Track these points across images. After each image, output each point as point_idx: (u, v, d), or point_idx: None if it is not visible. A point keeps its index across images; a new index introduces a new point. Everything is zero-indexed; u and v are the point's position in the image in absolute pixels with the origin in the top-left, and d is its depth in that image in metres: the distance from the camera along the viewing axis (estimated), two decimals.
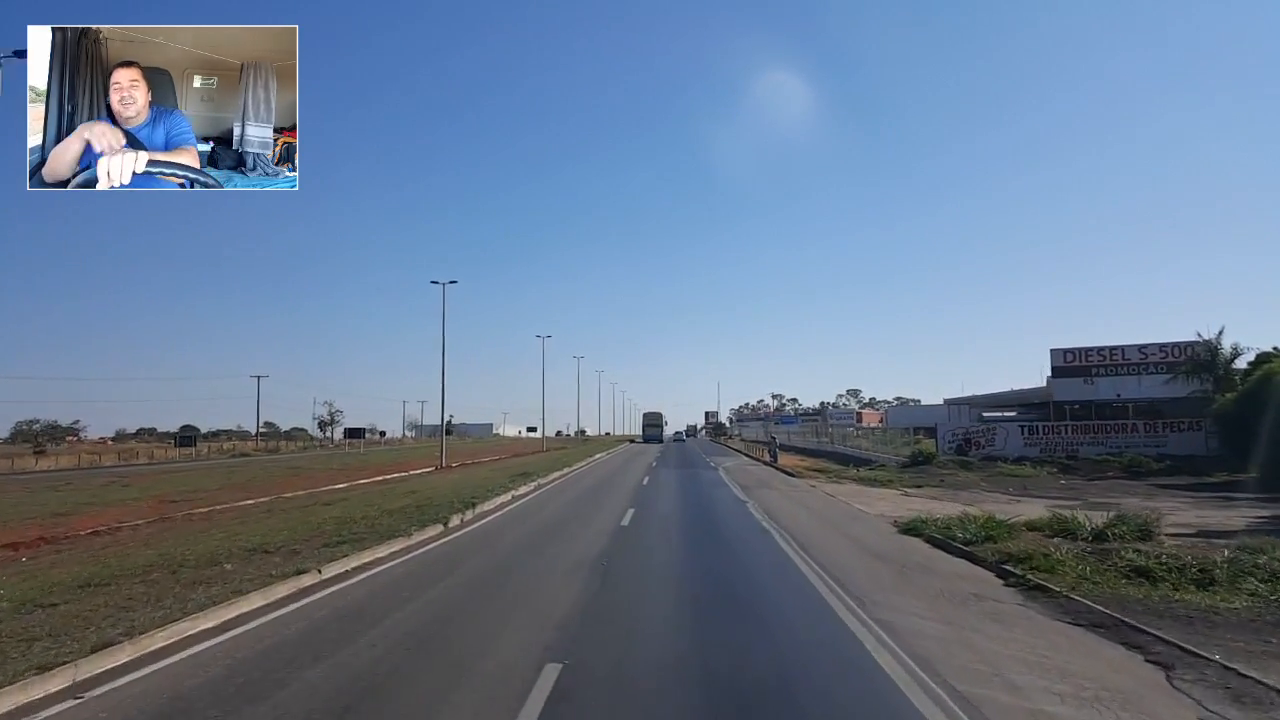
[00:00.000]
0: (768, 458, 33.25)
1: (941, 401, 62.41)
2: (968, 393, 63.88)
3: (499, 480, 20.66)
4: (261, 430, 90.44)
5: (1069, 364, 30.82)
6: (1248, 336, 29.61)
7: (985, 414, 46.66)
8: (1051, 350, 31.01)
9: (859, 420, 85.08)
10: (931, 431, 31.31)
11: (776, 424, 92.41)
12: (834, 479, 22.64)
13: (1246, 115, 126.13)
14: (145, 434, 78.13)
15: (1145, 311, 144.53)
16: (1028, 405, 50.92)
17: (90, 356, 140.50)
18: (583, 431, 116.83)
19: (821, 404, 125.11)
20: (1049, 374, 32.49)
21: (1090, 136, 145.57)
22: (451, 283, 33.85)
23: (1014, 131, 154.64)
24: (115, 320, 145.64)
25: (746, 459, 38.43)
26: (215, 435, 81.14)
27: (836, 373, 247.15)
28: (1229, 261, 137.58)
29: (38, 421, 76.03)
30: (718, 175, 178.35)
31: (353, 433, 55.02)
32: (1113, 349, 30.15)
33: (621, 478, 24.94)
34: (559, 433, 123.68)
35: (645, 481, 22.83)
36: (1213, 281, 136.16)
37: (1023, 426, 26.68)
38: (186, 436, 58.51)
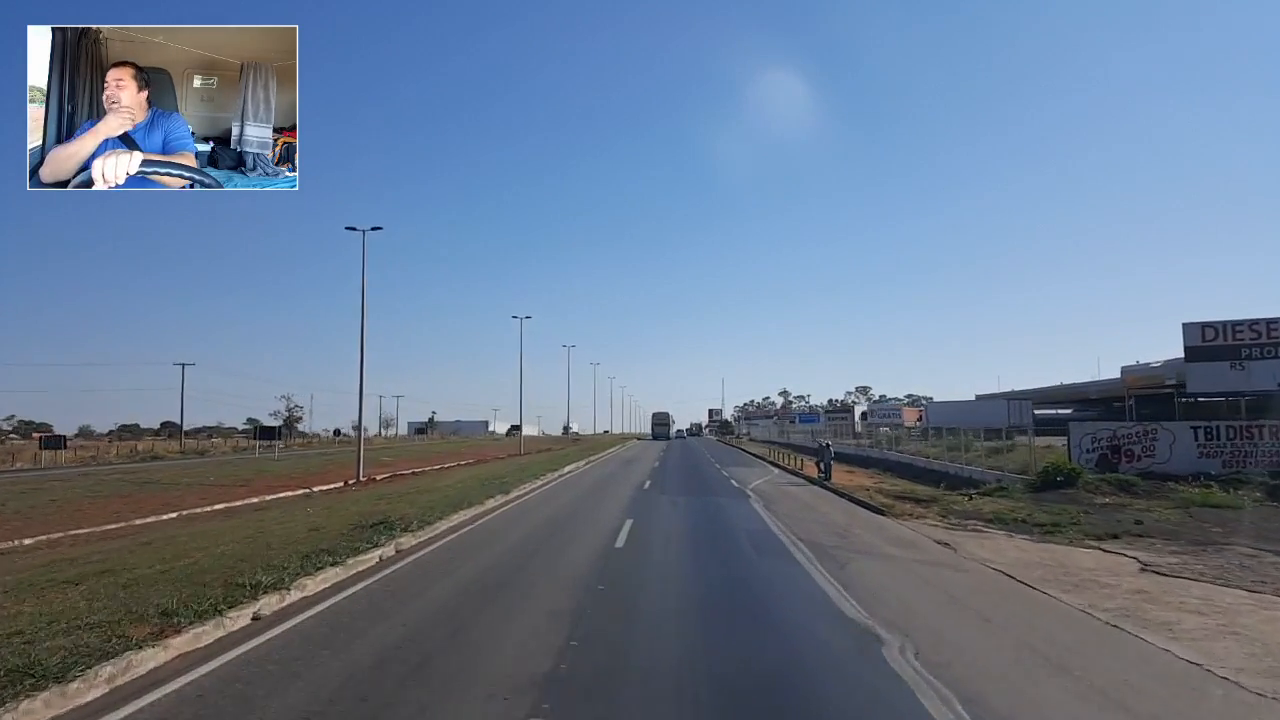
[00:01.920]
0: (816, 473, 22.66)
1: (974, 397, 60.63)
2: (1002, 389, 62.87)
3: (345, 525, 11.69)
4: (242, 428, 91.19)
5: (1209, 343, 24.57)
6: None
7: (1038, 411, 44.38)
8: (1184, 325, 25.22)
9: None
10: (997, 433, 25.03)
11: (793, 422, 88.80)
12: (947, 518, 13.90)
13: (1248, 116, 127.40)
14: (124, 431, 79.03)
15: (1155, 310, 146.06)
16: (1085, 401, 47.95)
17: (89, 351, 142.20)
18: (568, 428, 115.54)
19: (830, 401, 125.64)
20: (1174, 357, 26.77)
21: (1092, 136, 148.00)
22: (375, 229, 25.88)
23: (1017, 130, 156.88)
24: (119, 316, 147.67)
25: (778, 471, 28.11)
26: (197, 432, 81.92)
27: (841, 370, 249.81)
28: (1230, 259, 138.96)
29: (14, 416, 76.76)
30: (718, 174, 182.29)
31: (265, 432, 42.26)
32: (1270, 322, 24.17)
33: (579, 523, 13.30)
34: (506, 429, 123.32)
35: (620, 541, 11.24)
36: (1214, 280, 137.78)
37: (1197, 429, 20.34)
38: (53, 438, 47.32)
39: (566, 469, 28.10)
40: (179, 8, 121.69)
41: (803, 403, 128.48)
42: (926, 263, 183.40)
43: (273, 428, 50.59)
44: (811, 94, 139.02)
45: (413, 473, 28.00)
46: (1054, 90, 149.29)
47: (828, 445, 23.79)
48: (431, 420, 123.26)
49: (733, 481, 22.88)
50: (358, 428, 27.15)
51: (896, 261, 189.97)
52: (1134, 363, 43.22)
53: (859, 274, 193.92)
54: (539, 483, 21.47)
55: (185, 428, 69.46)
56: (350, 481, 23.14)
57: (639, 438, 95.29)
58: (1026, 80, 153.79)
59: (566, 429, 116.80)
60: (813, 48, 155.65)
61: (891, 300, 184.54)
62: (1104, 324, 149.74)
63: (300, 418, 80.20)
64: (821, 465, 22.57)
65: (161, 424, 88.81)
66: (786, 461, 32.33)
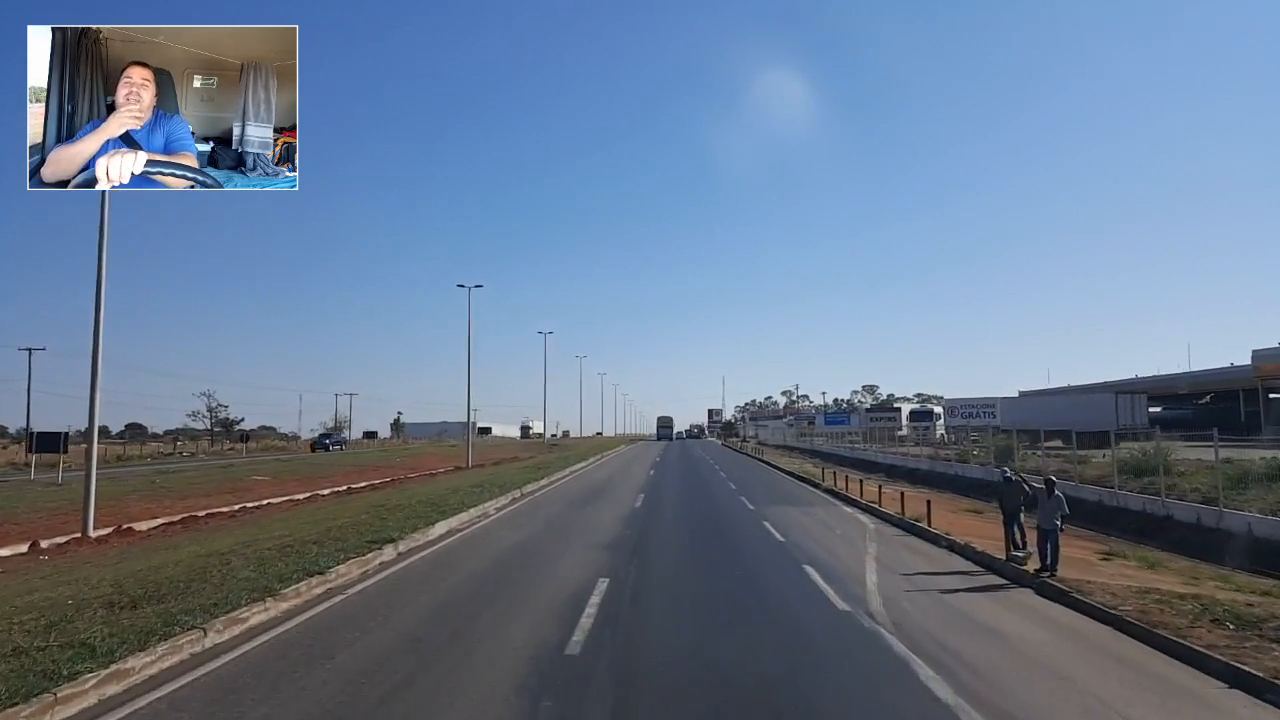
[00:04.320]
0: (1007, 549, 10.26)
1: (1017, 393, 58.60)
2: (1053, 383, 59.56)
3: None
4: (215, 429, 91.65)
5: None
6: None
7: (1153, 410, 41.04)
8: None
9: (944, 416, 58.76)
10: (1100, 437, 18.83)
11: (811, 422, 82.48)
12: None
13: (1241, 119, 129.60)
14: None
15: (1151, 311, 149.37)
16: (1175, 397, 44.91)
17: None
18: (526, 429, 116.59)
19: (835, 400, 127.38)
20: None
21: (1091, 135, 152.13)
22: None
23: (1018, 129, 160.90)
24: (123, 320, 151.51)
25: (871, 519, 15.66)
26: (169, 434, 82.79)
27: (844, 370, 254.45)
28: (1231, 260, 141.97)
29: None
30: (718, 173, 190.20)
31: (44, 441, 31.14)
32: None
33: None
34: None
35: None
36: (1211, 280, 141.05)
37: None
38: None
39: (460, 518, 14.10)
40: (179, 8, 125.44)
41: (806, 402, 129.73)
42: (930, 260, 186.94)
43: (54, 435, 30.28)
44: (812, 92, 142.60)
45: (232, 513, 18.06)
46: (1057, 88, 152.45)
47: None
48: (397, 422, 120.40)
49: (815, 576, 9.28)
50: (89, 443, 14.82)
51: (900, 260, 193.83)
52: (1267, 349, 37.46)
53: (861, 272, 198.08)
54: (312, 594, 7.98)
55: (157, 431, 69.81)
56: (59, 541, 12.82)
57: (636, 439, 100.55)
58: (1030, 77, 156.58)
59: (525, 430, 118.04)
60: (814, 46, 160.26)
61: (896, 298, 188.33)
62: (1111, 323, 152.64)
63: (241, 420, 74.68)
64: (1018, 536, 10.14)
65: (126, 425, 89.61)
66: (852, 490, 19.96)
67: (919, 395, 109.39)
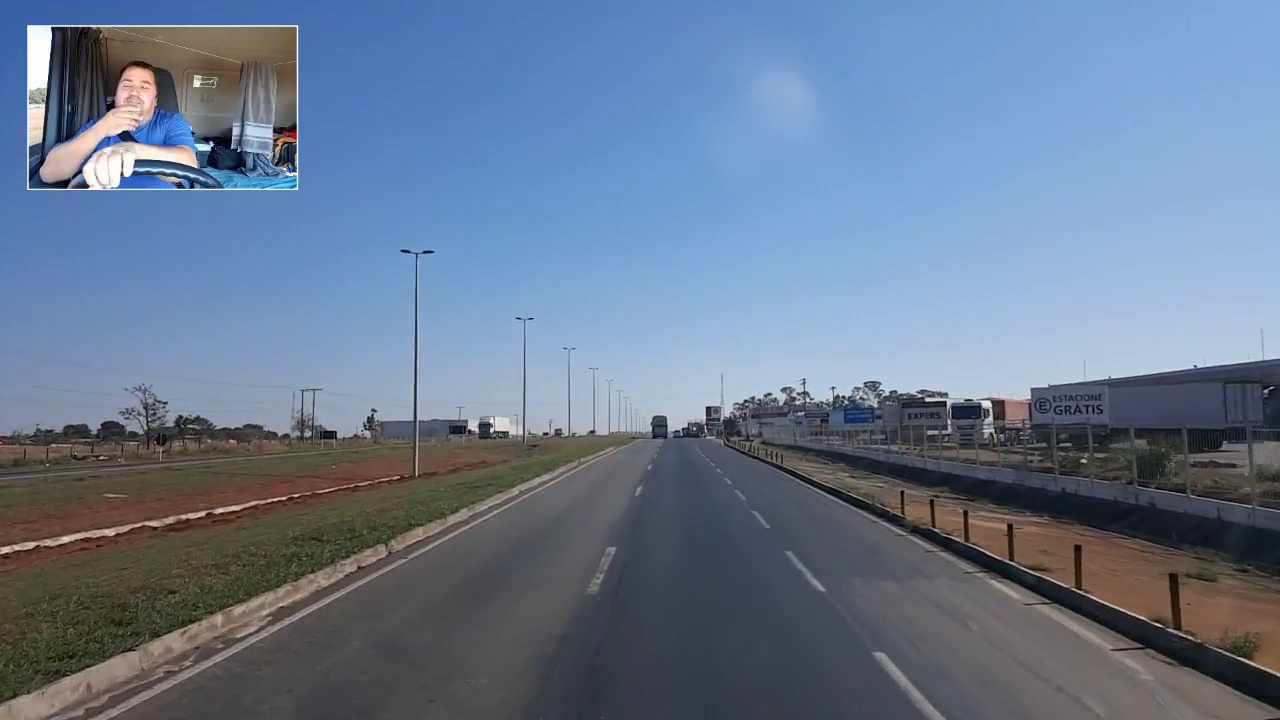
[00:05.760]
0: None
1: (1040, 387, 56.13)
2: (1089, 376, 57.20)
3: None
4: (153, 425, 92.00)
5: None
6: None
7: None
8: None
9: (992, 413, 54.37)
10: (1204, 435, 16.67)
11: (825, 421, 75.31)
12: None
13: (1239, 116, 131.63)
14: (72, 431, 79.99)
15: (1152, 309, 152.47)
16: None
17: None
18: (487, 426, 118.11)
19: (838, 398, 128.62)
20: None
21: (1089, 133, 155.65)
22: None
23: (1017, 127, 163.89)
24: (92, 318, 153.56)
25: (1132, 657, 6.64)
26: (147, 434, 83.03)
27: (843, 367, 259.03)
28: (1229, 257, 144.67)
29: None
30: (716, 172, 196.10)
31: None
32: None
33: None
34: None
35: None
36: (1210, 279, 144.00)
37: None
38: None
39: (141, 661, 6.34)
40: (179, 8, 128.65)
41: (808, 399, 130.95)
42: (931, 257, 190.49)
43: None
44: (810, 90, 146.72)
45: None
46: (1056, 86, 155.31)
47: None
48: (371, 420, 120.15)
49: None
50: None
51: (899, 256, 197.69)
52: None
53: (861, 270, 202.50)
54: None
55: (136, 430, 69.98)
56: None
57: (632, 438, 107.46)
58: (1029, 76, 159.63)
59: (485, 428, 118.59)
60: (811, 45, 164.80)
61: (896, 295, 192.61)
62: (1119, 320, 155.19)
63: (159, 415, 69.30)
64: None
65: (102, 424, 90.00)
66: (981, 539, 12.26)
67: (922, 391, 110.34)
